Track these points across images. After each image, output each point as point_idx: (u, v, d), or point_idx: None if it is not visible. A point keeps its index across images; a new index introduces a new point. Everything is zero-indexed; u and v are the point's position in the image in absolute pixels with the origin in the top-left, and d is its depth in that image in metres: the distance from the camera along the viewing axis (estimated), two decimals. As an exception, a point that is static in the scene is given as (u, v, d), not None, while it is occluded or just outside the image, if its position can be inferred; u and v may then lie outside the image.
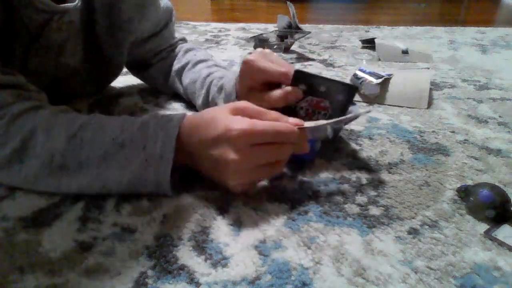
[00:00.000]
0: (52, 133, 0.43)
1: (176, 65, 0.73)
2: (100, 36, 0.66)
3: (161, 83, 0.78)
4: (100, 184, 0.44)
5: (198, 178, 0.51)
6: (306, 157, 0.53)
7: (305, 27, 1.31)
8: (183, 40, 0.81)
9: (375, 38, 1.22)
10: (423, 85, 0.79)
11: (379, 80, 0.78)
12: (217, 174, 0.45)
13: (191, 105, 0.74)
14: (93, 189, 0.44)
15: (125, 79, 0.87)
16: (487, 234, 0.41)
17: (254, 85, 0.53)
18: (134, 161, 0.43)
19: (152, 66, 0.77)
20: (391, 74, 0.80)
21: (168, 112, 0.71)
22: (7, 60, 0.54)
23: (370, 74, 0.81)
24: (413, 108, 0.75)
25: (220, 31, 1.51)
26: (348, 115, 0.52)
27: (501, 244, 0.40)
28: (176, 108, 0.73)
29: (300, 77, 0.51)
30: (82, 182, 0.44)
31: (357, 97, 0.79)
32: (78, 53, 0.64)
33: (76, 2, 0.58)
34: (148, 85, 0.83)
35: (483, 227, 0.43)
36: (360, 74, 0.81)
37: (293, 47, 1.23)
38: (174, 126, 0.44)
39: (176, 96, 0.78)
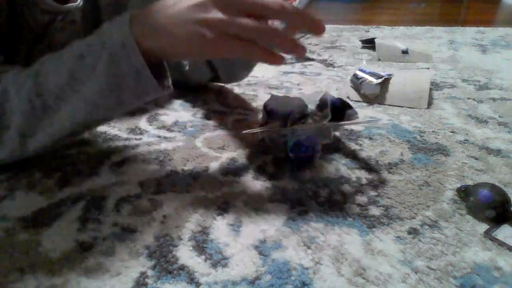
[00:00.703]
0: (19, 82, 0.44)
1: None
2: None
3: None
4: (88, 104, 0.43)
5: (200, 177, 0.51)
6: (306, 158, 0.53)
7: (305, 27, 1.31)
8: None
9: (375, 38, 1.21)
10: (423, 85, 0.79)
11: (379, 80, 0.78)
12: (188, 44, 0.39)
13: (191, 105, 0.74)
14: (87, 112, 0.43)
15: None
16: (487, 234, 0.41)
17: None
18: (100, 62, 0.40)
19: None
20: (391, 74, 0.80)
21: (168, 112, 0.71)
22: (12, 60, 0.54)
23: (370, 74, 0.81)
24: (413, 108, 0.75)
25: (220, 31, 1.51)
26: (355, 120, 0.52)
27: (501, 244, 0.40)
28: (175, 108, 0.73)
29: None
30: (71, 112, 0.43)
31: (357, 97, 0.79)
32: None
33: (79, 1, 0.59)
34: None
35: (483, 227, 0.43)
36: (360, 74, 0.82)
37: (293, 47, 1.23)
38: (124, 16, 0.40)
39: (176, 96, 0.78)
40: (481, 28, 1.60)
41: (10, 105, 0.44)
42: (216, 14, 0.37)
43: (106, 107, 0.44)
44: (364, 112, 0.73)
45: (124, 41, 0.39)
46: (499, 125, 0.68)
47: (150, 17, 0.39)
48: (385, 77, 0.79)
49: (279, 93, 0.81)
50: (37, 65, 0.44)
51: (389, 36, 1.44)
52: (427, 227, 0.43)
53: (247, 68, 0.72)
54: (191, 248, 0.39)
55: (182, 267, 0.37)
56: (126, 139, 0.61)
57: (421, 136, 0.63)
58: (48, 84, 0.43)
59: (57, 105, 0.43)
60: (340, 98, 0.59)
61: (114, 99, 0.43)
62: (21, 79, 0.44)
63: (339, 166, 0.54)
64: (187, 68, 0.72)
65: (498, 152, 0.59)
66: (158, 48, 0.40)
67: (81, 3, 0.59)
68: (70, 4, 0.58)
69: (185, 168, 0.53)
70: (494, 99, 0.80)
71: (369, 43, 1.25)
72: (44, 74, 0.43)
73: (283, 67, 1.02)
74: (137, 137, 0.61)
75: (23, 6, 0.53)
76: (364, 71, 0.82)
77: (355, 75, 0.82)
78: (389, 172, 0.53)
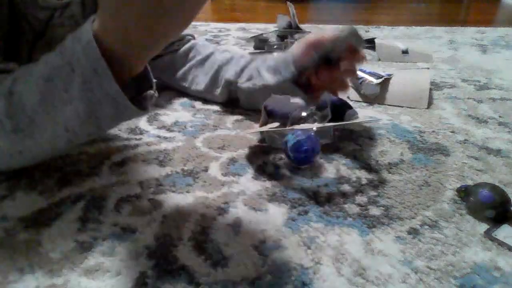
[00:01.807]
0: None
1: (197, 57, 0.75)
2: None
3: (167, 76, 0.78)
4: (62, 128, 0.40)
5: (200, 177, 0.51)
6: (306, 158, 0.53)
7: (305, 27, 1.31)
8: (192, 36, 0.81)
9: (375, 38, 1.21)
10: (423, 85, 0.79)
11: (379, 80, 0.78)
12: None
13: (191, 105, 0.74)
14: (62, 136, 0.41)
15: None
16: (487, 234, 0.41)
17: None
18: (72, 88, 0.37)
19: (160, 58, 0.77)
20: (391, 74, 0.80)
21: (168, 112, 0.71)
22: (13, 58, 0.54)
23: (370, 74, 0.81)
24: (413, 108, 0.75)
25: (220, 31, 1.51)
26: (357, 120, 0.53)
27: (501, 244, 0.40)
28: (175, 108, 0.73)
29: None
30: (46, 135, 0.41)
31: (357, 97, 0.79)
32: None
33: None
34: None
35: (483, 227, 0.43)
36: (360, 74, 0.82)
37: (293, 47, 1.23)
38: (86, 30, 0.35)
39: (177, 96, 0.78)
40: (481, 28, 1.60)
41: None
42: None
43: (86, 133, 0.42)
44: (364, 112, 0.73)
45: (95, 66, 0.35)
46: (499, 125, 0.68)
47: (120, 20, 0.33)
48: (385, 77, 0.79)
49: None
50: (10, 82, 0.41)
51: (389, 36, 1.44)
52: (427, 227, 0.42)
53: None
54: (191, 248, 0.39)
55: (182, 267, 0.37)
56: (126, 139, 0.61)
57: (421, 136, 0.63)
58: (21, 106, 0.40)
59: (30, 129, 0.41)
60: (340, 98, 0.59)
61: (92, 126, 0.40)
62: None
63: (339, 166, 0.54)
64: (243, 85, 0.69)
65: (498, 152, 0.59)
66: (135, 54, 0.36)
67: None
68: (67, 0, 0.57)
69: (185, 168, 0.53)
70: (494, 99, 0.80)
71: (369, 43, 1.25)
72: (17, 94, 0.40)
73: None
74: (137, 137, 0.61)
75: (21, 4, 0.52)
76: (364, 71, 0.82)
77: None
78: (389, 172, 0.53)
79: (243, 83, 0.67)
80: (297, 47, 0.63)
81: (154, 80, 0.43)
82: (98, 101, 0.37)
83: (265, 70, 0.66)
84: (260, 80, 0.65)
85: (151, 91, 0.42)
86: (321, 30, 0.64)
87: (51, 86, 0.38)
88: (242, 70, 0.68)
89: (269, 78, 0.64)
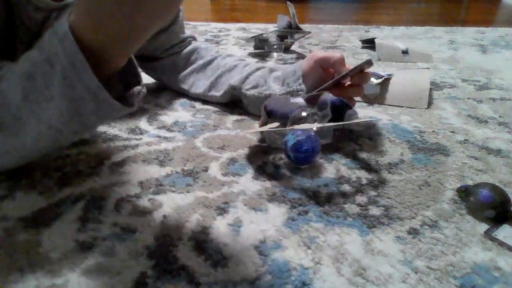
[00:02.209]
0: None
1: (199, 61, 0.76)
2: None
3: (168, 78, 0.78)
4: (46, 126, 0.40)
5: (200, 177, 0.51)
6: (306, 158, 0.53)
7: (305, 27, 1.31)
8: (193, 38, 0.81)
9: (375, 38, 1.21)
10: (423, 85, 0.79)
11: (379, 80, 0.78)
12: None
13: (191, 105, 0.74)
14: (47, 134, 0.41)
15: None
16: (487, 234, 0.41)
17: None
18: (52, 85, 0.36)
19: (160, 60, 0.78)
20: (391, 74, 0.80)
21: (168, 112, 0.71)
22: (10, 59, 0.54)
23: (371, 74, 0.81)
24: (413, 108, 0.75)
25: (220, 31, 1.51)
26: (355, 121, 0.52)
27: (501, 244, 0.40)
28: (175, 108, 0.73)
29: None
30: (35, 137, 0.41)
31: (357, 98, 0.79)
32: None
33: None
34: (152, 78, 0.83)
35: (483, 227, 0.43)
36: None
37: (293, 47, 1.23)
38: (62, 23, 0.34)
39: (177, 96, 0.78)
40: (481, 28, 1.60)
41: None
42: None
43: (71, 131, 0.41)
44: (364, 112, 0.73)
45: (72, 59, 0.34)
46: (499, 125, 0.68)
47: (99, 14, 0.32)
48: (385, 77, 0.79)
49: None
50: None
51: (389, 36, 1.44)
52: (427, 227, 0.42)
53: None
54: (191, 248, 0.39)
55: (182, 267, 0.37)
56: (126, 139, 0.61)
57: (421, 136, 0.63)
58: (6, 105, 0.40)
59: (16, 127, 0.40)
60: (340, 98, 0.59)
61: (76, 124, 0.39)
62: None
63: (339, 166, 0.54)
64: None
65: (498, 152, 0.59)
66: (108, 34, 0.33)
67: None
68: (64, 1, 0.57)
69: (185, 168, 0.53)
70: (494, 99, 0.80)
71: (369, 43, 1.25)
72: (2, 92, 0.40)
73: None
74: (137, 137, 0.61)
75: (18, 5, 0.52)
76: None
77: None
78: (389, 172, 0.53)
79: (248, 90, 0.68)
80: (307, 64, 0.65)
81: (140, 70, 0.42)
82: (79, 97, 0.36)
83: (272, 80, 0.67)
84: (266, 89, 0.66)
85: (139, 87, 0.41)
86: (329, 51, 0.69)
87: (32, 83, 0.38)
88: (246, 77, 0.69)
89: (277, 89, 0.65)
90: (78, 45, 0.33)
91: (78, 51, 0.33)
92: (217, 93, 0.73)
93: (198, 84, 0.75)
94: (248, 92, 0.68)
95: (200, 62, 0.76)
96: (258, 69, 0.71)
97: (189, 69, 0.77)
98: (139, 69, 0.42)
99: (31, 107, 0.39)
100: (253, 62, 0.76)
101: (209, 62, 0.76)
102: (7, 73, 0.41)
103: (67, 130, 0.40)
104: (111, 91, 0.36)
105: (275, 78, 0.68)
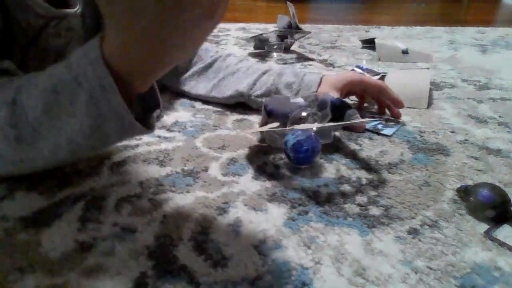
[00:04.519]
0: None
1: (200, 64, 0.76)
2: None
3: (169, 80, 0.78)
4: (69, 143, 0.40)
5: (200, 177, 0.51)
6: (306, 158, 0.53)
7: (305, 27, 1.31)
8: None
9: (375, 38, 1.21)
10: (423, 85, 0.79)
11: (377, 77, 0.79)
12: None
13: (191, 105, 0.74)
14: (65, 148, 0.41)
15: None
16: (487, 234, 0.41)
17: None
18: (78, 101, 0.37)
19: None
20: (386, 72, 0.81)
21: (168, 112, 0.71)
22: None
23: (368, 71, 0.82)
24: (413, 108, 0.75)
25: (220, 31, 1.51)
26: (355, 121, 0.52)
27: (501, 244, 0.40)
28: (175, 108, 0.73)
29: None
30: (52, 149, 0.41)
31: (357, 97, 0.79)
32: None
33: (76, 8, 0.58)
34: None
35: (483, 227, 0.43)
36: (358, 71, 0.82)
37: (293, 47, 1.23)
38: (93, 47, 0.36)
39: (177, 96, 0.78)
40: (481, 28, 1.60)
41: None
42: None
43: (89, 147, 0.42)
44: (364, 112, 0.73)
45: (102, 82, 0.35)
46: (499, 125, 0.68)
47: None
48: (382, 74, 0.80)
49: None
50: (14, 90, 0.41)
51: (389, 36, 1.44)
52: (427, 227, 0.42)
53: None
54: (191, 248, 0.39)
55: (182, 267, 0.37)
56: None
57: (421, 136, 0.63)
58: (25, 116, 0.40)
59: (33, 138, 0.41)
60: (340, 98, 0.59)
61: (97, 140, 0.40)
62: None
63: (339, 166, 0.54)
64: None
65: (498, 152, 0.59)
66: (138, 63, 0.35)
67: (79, 11, 0.59)
68: (65, 10, 0.57)
69: (185, 168, 0.53)
70: (494, 99, 0.80)
71: (369, 43, 1.25)
72: (20, 104, 0.40)
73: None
74: (137, 137, 0.61)
75: (15, 8, 0.52)
76: (361, 68, 0.83)
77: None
78: (389, 172, 0.53)
79: (260, 97, 0.69)
80: (327, 85, 0.67)
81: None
82: (104, 116, 0.38)
83: (284, 87, 0.68)
84: None
85: (158, 111, 0.43)
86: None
87: (56, 98, 0.39)
88: (254, 84, 0.70)
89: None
90: (106, 64, 0.35)
91: (108, 75, 0.35)
92: (219, 95, 0.73)
93: (199, 86, 0.76)
94: (259, 99, 0.69)
95: (201, 65, 0.76)
96: (263, 73, 0.71)
97: (190, 72, 0.77)
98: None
99: (51, 121, 0.39)
100: (254, 62, 0.76)
101: (210, 65, 0.76)
102: (27, 85, 0.41)
103: (86, 145, 0.41)
104: (131, 112, 0.38)
105: (287, 85, 0.68)
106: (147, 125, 0.41)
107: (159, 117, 0.43)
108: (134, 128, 0.39)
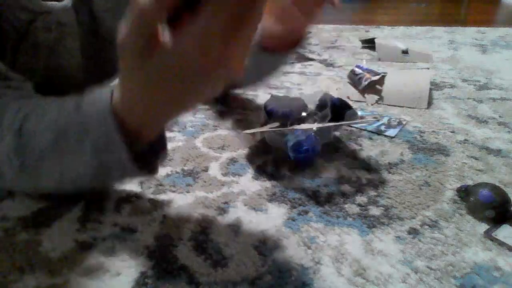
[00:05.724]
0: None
1: None
2: (105, 39, 0.66)
3: None
4: (70, 174, 0.40)
5: (200, 177, 0.51)
6: (306, 158, 0.53)
7: (305, 27, 1.31)
8: None
9: (375, 38, 1.21)
10: (423, 85, 0.79)
11: (376, 78, 0.79)
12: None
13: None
14: (69, 182, 0.41)
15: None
16: (487, 234, 0.41)
17: None
18: (84, 146, 0.37)
19: None
20: (386, 73, 0.81)
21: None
22: (0, 59, 0.54)
23: (368, 71, 0.82)
24: (413, 108, 0.75)
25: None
26: (354, 120, 0.52)
27: (501, 244, 0.40)
28: (176, 108, 0.73)
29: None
30: (52, 177, 0.41)
31: (357, 97, 0.79)
32: (74, 55, 0.64)
33: (66, 2, 0.57)
34: None
35: (483, 227, 0.43)
36: (358, 70, 0.83)
37: (293, 47, 1.23)
38: (104, 100, 0.35)
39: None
40: (481, 28, 1.60)
41: None
42: None
43: (92, 183, 0.41)
44: (364, 112, 0.73)
45: (108, 135, 0.35)
46: (499, 125, 0.68)
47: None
48: (382, 74, 0.80)
49: (279, 93, 0.81)
50: (21, 117, 0.41)
51: (389, 36, 1.44)
52: (427, 227, 0.42)
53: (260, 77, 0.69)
54: (191, 248, 0.39)
55: (182, 267, 0.37)
56: (126, 139, 0.61)
57: (421, 136, 0.63)
58: (31, 147, 0.40)
59: (38, 170, 0.41)
60: (340, 98, 0.59)
61: (99, 181, 0.41)
62: (3, 125, 0.40)
63: (339, 166, 0.54)
64: None
65: (498, 152, 0.59)
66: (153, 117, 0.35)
67: (69, 5, 0.58)
68: (54, 4, 0.56)
69: (185, 168, 0.53)
70: (494, 99, 0.80)
71: (369, 43, 1.25)
72: (27, 133, 0.40)
73: (283, 67, 1.02)
74: (137, 137, 0.61)
75: (2, 4, 0.51)
76: (361, 68, 0.83)
77: (352, 71, 0.84)
78: (389, 172, 0.53)
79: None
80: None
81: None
82: (108, 163, 0.38)
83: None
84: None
85: (165, 153, 0.42)
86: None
87: (63, 134, 0.38)
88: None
89: None
90: (115, 118, 0.34)
91: (114, 131, 0.35)
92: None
93: None
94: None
95: None
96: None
97: None
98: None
99: (57, 154, 0.39)
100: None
101: None
102: (36, 113, 0.41)
103: (90, 181, 0.41)
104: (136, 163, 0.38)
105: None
106: (151, 166, 0.40)
107: (164, 158, 0.42)
108: (138, 175, 0.39)
